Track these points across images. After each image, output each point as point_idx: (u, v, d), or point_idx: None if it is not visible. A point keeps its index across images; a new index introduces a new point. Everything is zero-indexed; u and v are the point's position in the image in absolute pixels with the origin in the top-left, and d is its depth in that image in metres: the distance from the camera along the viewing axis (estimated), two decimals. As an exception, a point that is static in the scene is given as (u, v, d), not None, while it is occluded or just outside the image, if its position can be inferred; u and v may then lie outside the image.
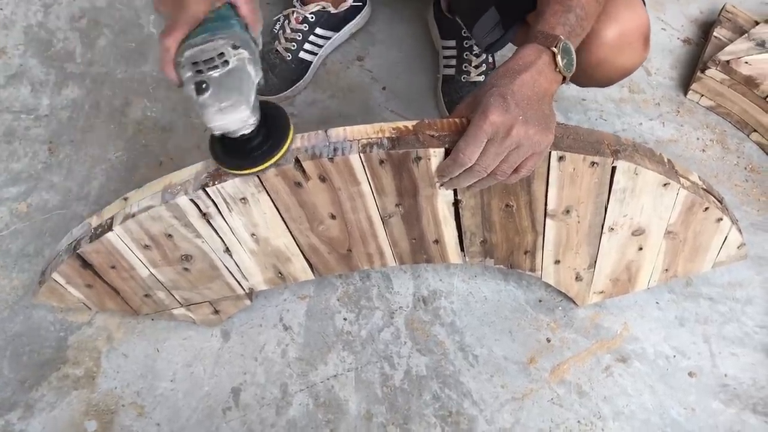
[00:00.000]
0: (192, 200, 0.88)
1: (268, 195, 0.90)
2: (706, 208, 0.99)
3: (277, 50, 1.39)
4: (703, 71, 1.45)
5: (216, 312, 1.11)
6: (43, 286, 0.98)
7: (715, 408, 1.13)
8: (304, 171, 0.87)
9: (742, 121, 1.45)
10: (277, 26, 1.42)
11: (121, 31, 1.47)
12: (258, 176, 0.86)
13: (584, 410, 1.12)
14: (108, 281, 0.99)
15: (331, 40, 1.45)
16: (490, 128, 0.78)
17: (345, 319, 1.18)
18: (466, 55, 1.41)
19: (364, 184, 0.91)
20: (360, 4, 1.47)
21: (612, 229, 1.01)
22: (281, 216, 0.94)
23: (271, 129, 0.82)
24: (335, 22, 1.44)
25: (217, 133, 0.77)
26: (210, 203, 0.89)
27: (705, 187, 1.00)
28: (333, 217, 0.96)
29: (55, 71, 1.40)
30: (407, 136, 0.86)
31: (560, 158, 0.88)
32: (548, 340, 1.18)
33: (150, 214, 0.88)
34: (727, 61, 1.41)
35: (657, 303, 1.23)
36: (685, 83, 1.52)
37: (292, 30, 1.40)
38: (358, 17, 1.48)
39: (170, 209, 0.88)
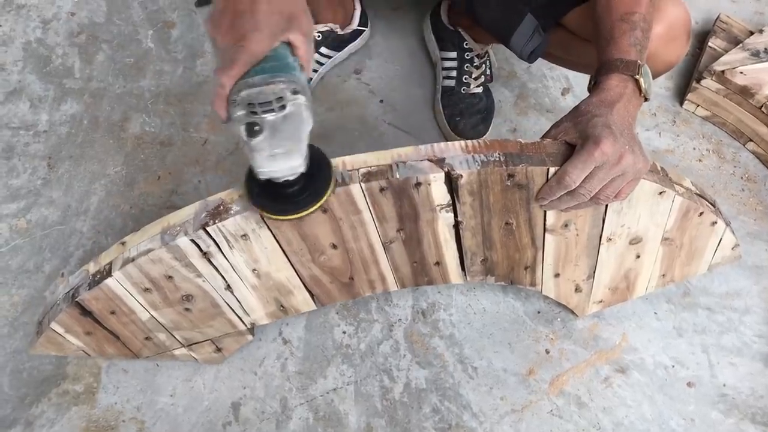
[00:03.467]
0: (192, 240, 0.87)
1: (270, 230, 0.89)
2: (701, 213, 1.00)
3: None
4: (698, 81, 1.45)
5: (218, 350, 1.10)
6: (41, 336, 0.96)
7: (714, 418, 1.13)
8: None
9: (738, 131, 1.46)
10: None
11: (119, 46, 1.48)
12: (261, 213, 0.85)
13: (584, 421, 1.12)
14: (108, 327, 0.97)
15: (332, 59, 1.46)
16: (601, 157, 0.81)
17: (344, 333, 1.19)
18: (467, 66, 1.41)
19: (365, 213, 0.90)
20: (363, 28, 1.48)
21: (610, 239, 1.01)
22: (282, 250, 0.93)
23: (313, 174, 0.80)
24: (339, 43, 1.45)
25: (262, 177, 0.76)
26: (211, 242, 0.88)
27: (698, 192, 1.01)
28: (335, 247, 0.95)
29: (53, 87, 1.41)
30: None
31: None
32: (547, 352, 1.18)
33: (150, 257, 0.87)
34: (722, 72, 1.41)
35: (655, 313, 1.23)
36: (681, 93, 1.53)
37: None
38: (359, 39, 1.49)
39: (170, 251, 0.87)
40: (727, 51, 1.48)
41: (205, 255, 0.90)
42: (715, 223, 1.03)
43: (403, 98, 1.47)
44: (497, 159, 0.87)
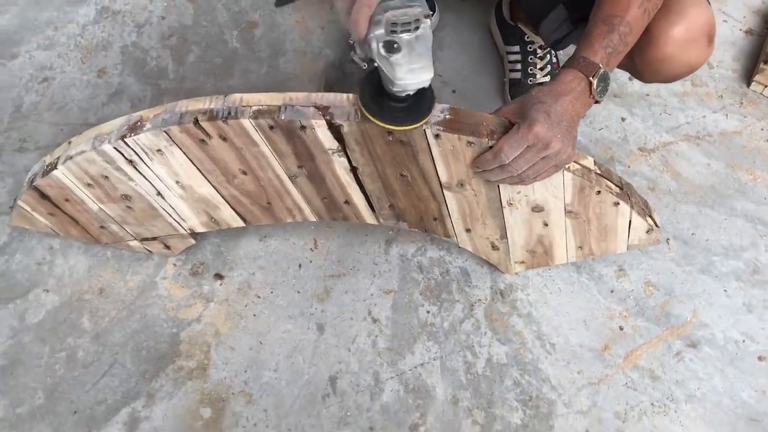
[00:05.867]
0: (115, 148, 1.00)
1: (180, 148, 1.01)
2: (598, 192, 1.05)
3: (353, 60, 1.48)
4: (766, 62, 1.48)
5: (167, 247, 1.27)
6: (13, 211, 1.16)
7: (785, 390, 1.19)
8: (204, 130, 0.98)
9: (806, 111, 1.48)
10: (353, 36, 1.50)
11: (207, 47, 1.58)
12: (166, 132, 0.98)
13: (657, 393, 1.19)
14: (65, 211, 1.14)
15: (403, 48, 1.53)
16: (533, 138, 0.90)
17: (428, 312, 1.28)
18: (531, 58, 1.47)
19: (262, 146, 1.01)
20: (430, 12, 1.54)
21: (511, 204, 1.09)
22: (197, 168, 1.06)
23: (420, 97, 0.90)
24: (407, 31, 1.52)
25: (395, 89, 0.85)
26: (131, 152, 1.01)
27: (600, 173, 1.06)
28: (245, 173, 1.07)
29: (151, 88, 1.52)
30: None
31: (436, 136, 0.96)
32: (621, 329, 1.25)
33: (84, 157, 1.02)
34: (790, 53, 1.44)
35: (725, 290, 1.29)
36: (748, 75, 1.56)
37: (368, 41, 1.48)
38: (428, 25, 1.55)
39: (100, 154, 1.01)
40: (794, 32, 1.50)
41: (131, 162, 1.03)
42: (618, 204, 1.07)
43: (474, 88, 1.54)
44: None
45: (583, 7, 1.13)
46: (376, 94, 0.89)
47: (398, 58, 0.81)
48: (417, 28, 0.81)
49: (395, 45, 0.81)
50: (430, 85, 0.91)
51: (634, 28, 0.96)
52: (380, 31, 0.81)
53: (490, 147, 0.95)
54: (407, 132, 0.96)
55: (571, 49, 1.11)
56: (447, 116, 0.97)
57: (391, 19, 0.80)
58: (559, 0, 1.19)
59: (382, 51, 0.81)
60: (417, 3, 0.81)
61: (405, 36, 0.81)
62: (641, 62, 1.09)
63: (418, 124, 0.92)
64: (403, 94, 0.87)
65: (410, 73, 0.83)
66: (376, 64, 0.84)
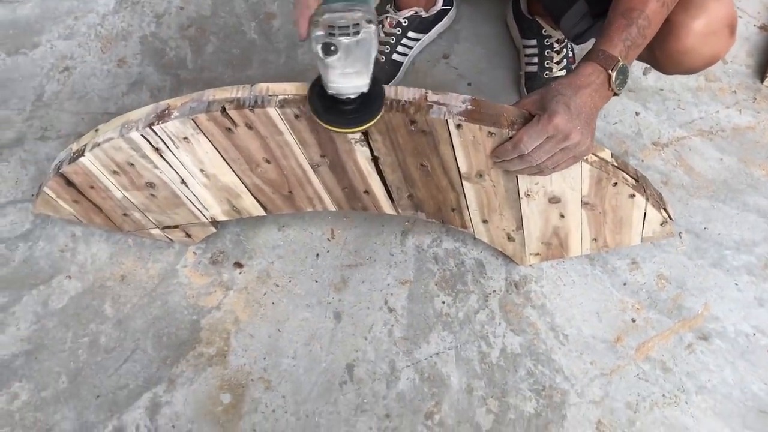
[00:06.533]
0: (143, 135, 1.02)
1: (206, 136, 1.04)
2: (615, 184, 1.07)
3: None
4: (780, 58, 1.49)
5: (188, 236, 1.30)
6: (38, 197, 1.19)
7: (795, 383, 1.21)
8: (231, 118, 1.00)
9: (820, 107, 1.49)
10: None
11: (225, 37, 1.60)
12: (193, 120, 0.99)
13: (669, 385, 1.21)
14: (90, 198, 1.17)
15: (421, 41, 1.55)
16: (553, 130, 0.91)
17: (443, 302, 1.30)
18: (547, 52, 1.49)
19: (286, 135, 1.03)
20: (448, 7, 1.56)
21: (528, 195, 1.10)
22: (222, 156, 1.08)
23: (368, 100, 0.90)
24: (426, 25, 1.54)
25: (329, 92, 0.86)
26: (158, 140, 1.04)
27: (617, 165, 1.07)
28: (268, 161, 1.10)
29: (170, 78, 1.54)
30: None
31: (458, 126, 0.98)
32: (633, 321, 1.27)
33: (111, 145, 1.04)
34: (805, 50, 1.45)
35: (736, 284, 1.31)
36: (762, 70, 1.57)
37: (386, 34, 1.50)
38: (445, 18, 1.57)
39: (127, 142, 1.03)
40: (809, 28, 1.51)
41: (157, 150, 1.06)
42: (634, 196, 1.09)
43: (490, 81, 1.55)
44: (399, 105, 0.97)
45: (603, 1, 1.14)
46: (324, 93, 0.89)
47: (333, 60, 0.81)
48: (357, 32, 0.80)
49: (332, 47, 0.80)
50: (379, 90, 0.92)
51: (652, 21, 0.98)
52: (320, 33, 0.80)
53: (510, 137, 0.97)
54: (428, 124, 0.98)
55: (589, 43, 1.12)
56: (468, 107, 0.98)
57: (328, 21, 0.80)
58: None
59: (320, 53, 0.81)
60: (359, 8, 0.80)
61: (344, 39, 0.80)
62: (662, 54, 1.10)
63: (357, 128, 0.92)
64: (343, 97, 0.87)
65: (343, 77, 0.83)
66: None
